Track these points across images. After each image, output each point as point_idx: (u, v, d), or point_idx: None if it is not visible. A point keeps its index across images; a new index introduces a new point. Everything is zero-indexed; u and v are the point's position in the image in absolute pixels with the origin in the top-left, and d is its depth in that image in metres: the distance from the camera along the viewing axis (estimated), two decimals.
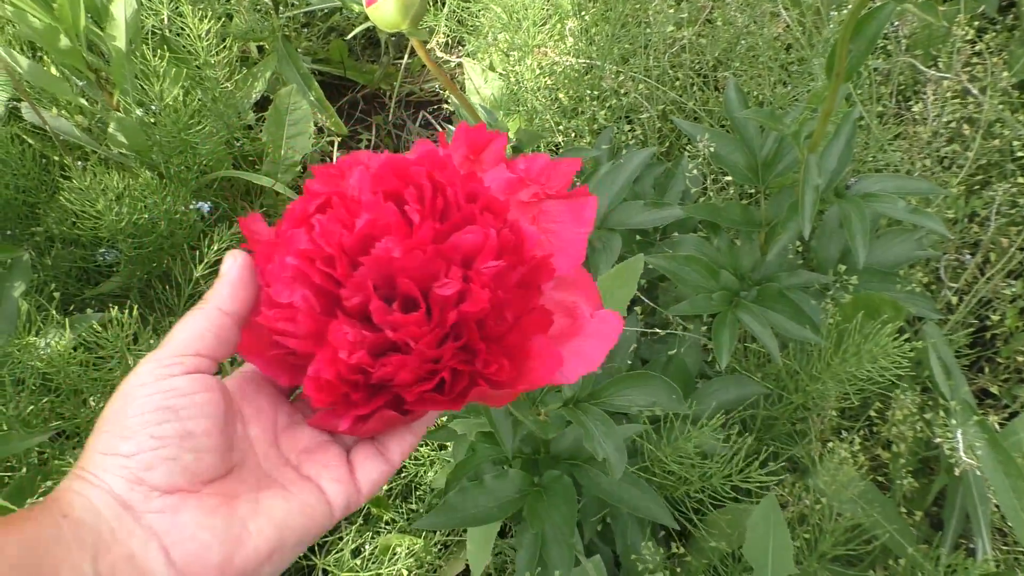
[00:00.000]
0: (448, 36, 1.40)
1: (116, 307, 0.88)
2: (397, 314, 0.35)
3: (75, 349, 0.80)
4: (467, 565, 1.00)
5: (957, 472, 0.68)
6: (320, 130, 1.43)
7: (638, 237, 0.98)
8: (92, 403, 0.91)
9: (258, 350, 0.39)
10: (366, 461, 0.39)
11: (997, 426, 0.92)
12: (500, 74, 1.27)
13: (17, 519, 0.32)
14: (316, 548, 1.00)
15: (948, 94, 1.00)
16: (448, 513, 0.76)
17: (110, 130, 1.01)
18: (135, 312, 0.82)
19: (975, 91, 1.02)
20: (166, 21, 1.19)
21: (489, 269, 0.36)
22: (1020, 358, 0.96)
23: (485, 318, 0.36)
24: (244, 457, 0.37)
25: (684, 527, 0.92)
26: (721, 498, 0.86)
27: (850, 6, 0.61)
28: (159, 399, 0.34)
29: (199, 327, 0.37)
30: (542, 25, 1.18)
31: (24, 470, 0.76)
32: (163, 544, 0.33)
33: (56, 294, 0.91)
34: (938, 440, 0.70)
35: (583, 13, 1.22)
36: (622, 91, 1.12)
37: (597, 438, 0.69)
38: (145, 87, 1.02)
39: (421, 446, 1.04)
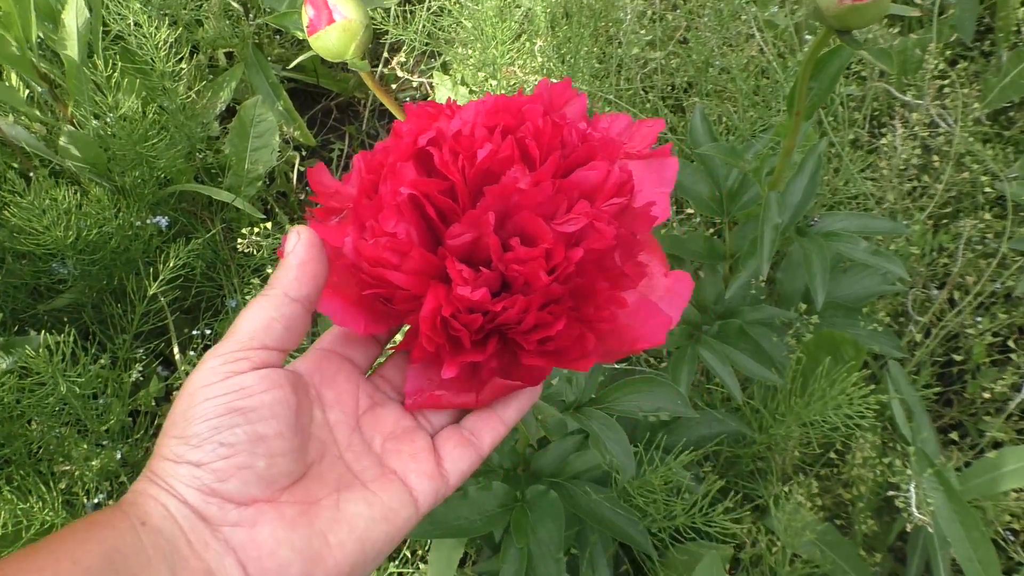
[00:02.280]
0: (413, 56, 1.38)
1: (68, 324, 0.86)
2: (520, 248, 0.33)
3: (8, 375, 0.77)
4: None
5: (909, 528, 0.66)
6: (287, 141, 1.40)
7: None
8: (34, 425, 0.88)
9: (341, 291, 0.37)
10: (455, 449, 0.37)
11: (963, 463, 0.91)
12: (471, 90, 1.25)
13: (95, 525, 0.30)
14: None
15: (916, 127, 0.99)
16: (431, 524, 0.74)
17: (61, 143, 0.98)
18: (72, 336, 0.80)
19: (945, 124, 1.01)
20: (132, 26, 1.16)
21: (611, 207, 0.35)
22: (986, 395, 0.95)
23: (604, 258, 0.35)
24: (324, 448, 0.35)
25: (643, 565, 0.90)
26: (682, 536, 0.84)
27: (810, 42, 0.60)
28: (226, 400, 0.32)
29: (265, 316, 0.34)
30: (512, 43, 1.16)
31: None
32: (240, 560, 0.32)
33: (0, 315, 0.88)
34: (891, 493, 0.69)
35: (555, 29, 1.20)
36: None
37: (603, 442, 0.67)
38: (99, 98, 0.99)
39: None
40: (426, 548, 1.00)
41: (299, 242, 0.35)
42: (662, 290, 0.38)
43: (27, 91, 1.13)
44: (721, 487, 0.85)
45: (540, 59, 1.14)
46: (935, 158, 1.02)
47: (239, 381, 0.33)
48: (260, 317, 0.34)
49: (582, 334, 0.35)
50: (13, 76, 1.14)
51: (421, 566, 0.99)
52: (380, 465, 0.36)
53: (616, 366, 0.98)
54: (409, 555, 0.99)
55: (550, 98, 0.41)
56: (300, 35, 1.31)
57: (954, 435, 0.89)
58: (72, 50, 0.94)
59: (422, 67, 1.47)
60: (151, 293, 1.03)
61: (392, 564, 1.00)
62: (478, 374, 0.37)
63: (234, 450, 0.32)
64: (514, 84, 1.14)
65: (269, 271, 0.95)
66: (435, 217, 0.35)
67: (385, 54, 1.51)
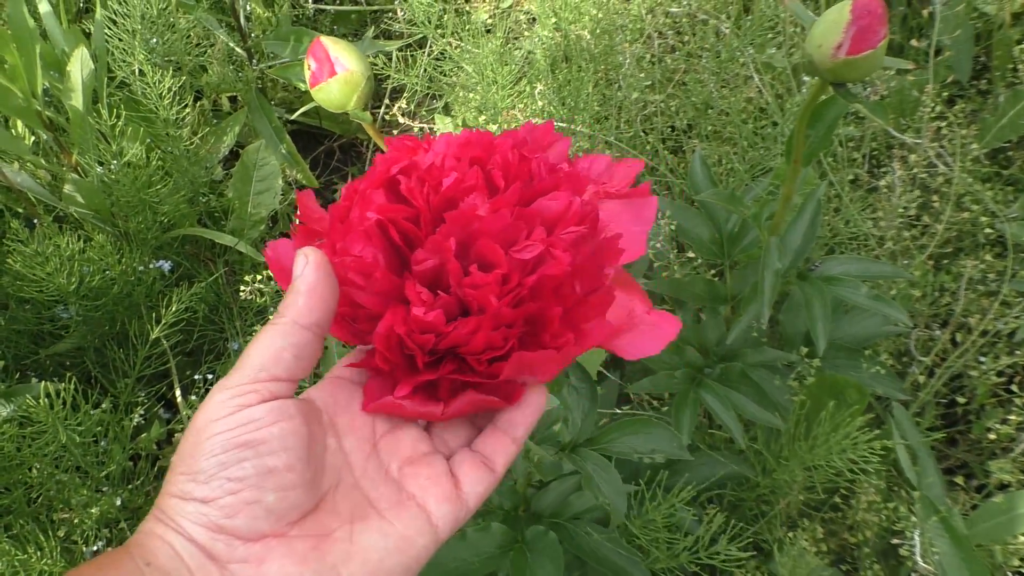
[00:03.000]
0: (415, 99, 1.39)
1: (70, 368, 0.86)
2: (476, 274, 0.34)
3: (8, 423, 0.77)
4: None
5: None
6: (290, 184, 1.41)
7: None
8: (34, 472, 0.88)
9: None
10: (472, 472, 0.36)
11: (970, 506, 0.90)
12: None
13: (100, 568, 0.30)
14: None
15: (915, 169, 0.99)
16: (427, 566, 0.73)
17: (66, 191, 0.99)
18: (72, 384, 0.80)
19: (943, 166, 1.01)
20: (136, 74, 1.17)
21: (569, 235, 0.36)
22: (992, 436, 0.94)
23: (561, 286, 0.35)
24: (339, 476, 0.35)
25: None
26: None
27: (816, 81, 0.60)
28: (235, 435, 0.32)
29: (275, 347, 0.33)
30: (512, 86, 1.17)
31: None
32: None
33: (0, 361, 0.88)
34: (895, 541, 0.68)
35: (555, 73, 1.22)
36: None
37: (596, 483, 0.66)
38: (103, 146, 1.00)
39: None
40: None
41: (308, 265, 0.34)
42: (646, 326, 0.38)
43: (32, 139, 1.14)
44: (725, 530, 0.84)
45: (541, 102, 1.15)
46: (935, 198, 1.02)
47: (248, 414, 0.32)
48: (269, 347, 0.34)
49: (537, 359, 0.35)
50: (19, 124, 1.15)
51: None
52: (398, 491, 0.35)
53: (617, 409, 0.98)
54: None
55: (533, 139, 0.42)
56: (302, 86, 1.33)
57: (959, 478, 0.88)
58: (77, 100, 0.95)
59: (424, 109, 1.48)
60: (153, 337, 1.03)
61: None
62: (439, 390, 0.37)
63: (242, 485, 0.31)
64: (515, 127, 1.15)
65: (271, 317, 0.95)
66: (400, 242, 0.36)
67: (387, 100, 1.52)
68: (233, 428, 0.32)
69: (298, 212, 0.40)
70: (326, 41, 0.61)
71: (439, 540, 0.35)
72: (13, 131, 1.13)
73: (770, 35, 1.20)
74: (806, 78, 1.15)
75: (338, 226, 0.37)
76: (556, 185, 0.37)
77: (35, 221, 1.12)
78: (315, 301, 0.34)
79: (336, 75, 0.62)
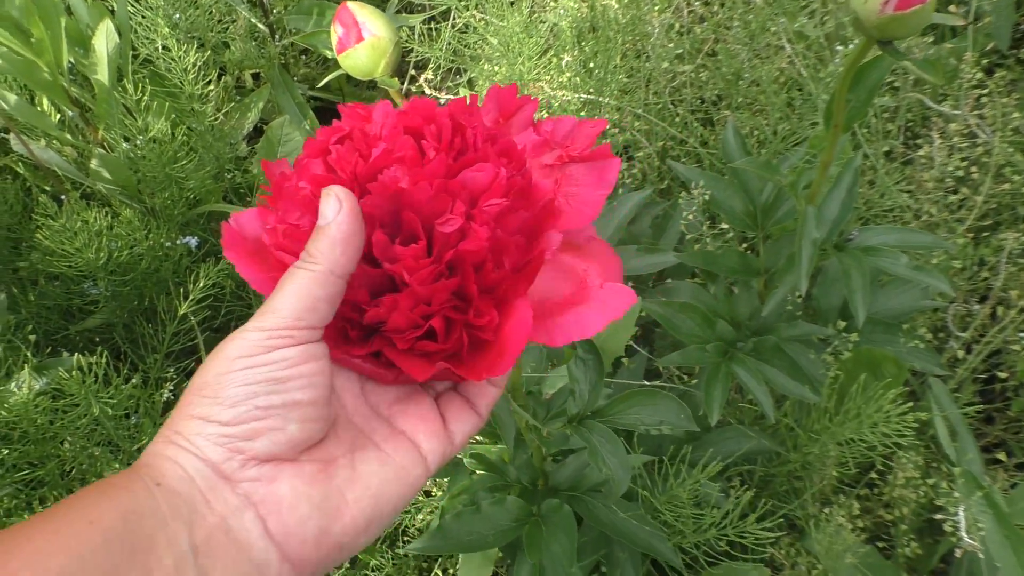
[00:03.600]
0: (439, 73, 1.38)
1: (99, 344, 0.86)
2: (396, 247, 0.34)
3: (42, 396, 0.77)
4: None
5: (958, 554, 0.64)
6: None
7: (631, 283, 0.94)
8: (67, 445, 0.88)
9: (261, 268, 0.37)
10: (460, 412, 0.37)
11: (1007, 484, 0.88)
12: None
13: (109, 487, 0.31)
14: None
15: (955, 138, 0.97)
16: (441, 538, 0.73)
17: (92, 166, 0.99)
18: (104, 358, 0.80)
19: (983, 135, 0.99)
20: (160, 50, 1.17)
21: (492, 207, 0.35)
22: None
23: (483, 262, 0.34)
24: (336, 412, 0.36)
25: None
26: (715, 554, 0.82)
27: (850, 50, 0.58)
28: (266, 371, 0.33)
29: (310, 296, 0.33)
30: (538, 58, 1.15)
31: None
32: (259, 514, 0.32)
33: (32, 336, 0.88)
34: (938, 517, 0.66)
35: (582, 43, 1.20)
36: (616, 130, 1.09)
37: (602, 455, 0.66)
38: (128, 121, 1.00)
39: None
40: (456, 565, 0.99)
41: (342, 212, 0.34)
42: (596, 302, 0.37)
43: (58, 115, 1.14)
44: (756, 506, 0.83)
45: (567, 74, 1.13)
46: (973, 169, 0.99)
47: (282, 354, 0.33)
48: (307, 296, 0.33)
49: (460, 339, 0.35)
50: (45, 101, 1.15)
51: None
52: (389, 427, 0.36)
53: (645, 381, 0.97)
54: (440, 573, 0.98)
55: (499, 104, 0.41)
56: (328, 54, 1.31)
57: (1001, 454, 0.87)
58: (102, 75, 0.95)
59: (448, 84, 1.47)
60: (181, 313, 1.03)
61: None
62: (384, 357, 0.36)
63: (268, 413, 0.32)
64: (542, 100, 1.14)
65: None
66: None
67: (411, 72, 1.51)
68: (266, 365, 0.33)
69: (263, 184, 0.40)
70: (353, 6, 0.60)
71: (429, 473, 0.36)
72: (39, 107, 1.13)
73: (802, 3, 1.17)
74: (839, 47, 1.13)
75: (280, 194, 0.36)
76: (487, 156, 0.36)
77: (63, 197, 1.12)
78: (352, 252, 0.34)
79: (363, 40, 0.61)
